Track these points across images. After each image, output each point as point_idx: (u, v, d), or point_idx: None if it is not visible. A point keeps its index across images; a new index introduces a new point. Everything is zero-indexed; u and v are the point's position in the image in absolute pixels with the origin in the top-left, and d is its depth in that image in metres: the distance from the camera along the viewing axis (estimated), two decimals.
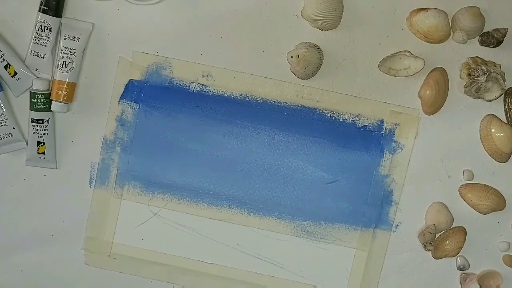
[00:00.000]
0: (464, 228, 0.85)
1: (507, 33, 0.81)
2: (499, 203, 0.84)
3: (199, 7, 0.80)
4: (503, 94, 0.82)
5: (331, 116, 0.83)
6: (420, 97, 0.82)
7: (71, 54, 0.79)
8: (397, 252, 0.85)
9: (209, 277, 0.86)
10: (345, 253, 0.85)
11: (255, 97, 0.82)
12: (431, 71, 0.82)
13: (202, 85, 0.82)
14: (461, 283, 0.86)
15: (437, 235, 0.85)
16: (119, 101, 0.82)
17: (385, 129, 0.83)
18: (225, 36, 0.81)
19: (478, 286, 0.86)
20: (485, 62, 0.80)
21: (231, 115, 0.82)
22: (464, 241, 0.85)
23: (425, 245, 0.84)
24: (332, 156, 0.83)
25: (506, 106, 0.83)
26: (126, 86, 0.82)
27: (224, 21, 0.81)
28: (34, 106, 0.80)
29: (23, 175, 0.83)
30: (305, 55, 0.79)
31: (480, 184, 0.84)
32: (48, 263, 0.85)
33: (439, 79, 0.81)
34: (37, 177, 0.83)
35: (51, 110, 0.80)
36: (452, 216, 0.85)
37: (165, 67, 0.82)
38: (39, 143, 0.81)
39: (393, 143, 0.83)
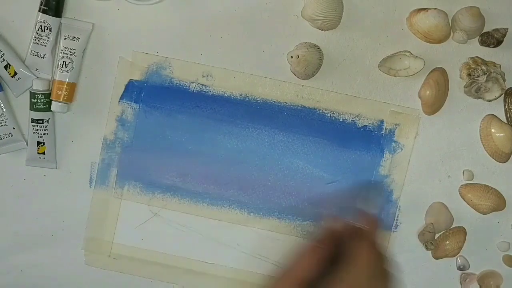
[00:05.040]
0: (464, 228, 0.85)
1: (507, 33, 0.81)
2: (499, 203, 0.84)
3: (199, 7, 0.80)
4: (503, 94, 0.82)
5: (331, 116, 0.83)
6: (420, 97, 0.82)
7: (71, 54, 0.79)
8: (397, 252, 0.85)
9: (209, 277, 0.86)
10: None
11: (255, 97, 0.82)
12: (431, 71, 0.82)
13: (202, 85, 0.82)
14: (461, 283, 0.87)
15: (437, 235, 0.85)
16: (119, 101, 0.82)
17: (385, 129, 0.83)
18: (225, 36, 0.81)
19: (478, 286, 0.86)
20: (485, 62, 0.80)
21: (231, 115, 0.82)
22: (464, 241, 0.85)
23: (426, 245, 0.84)
24: (332, 156, 0.83)
25: (506, 106, 0.83)
26: (126, 86, 0.82)
27: (224, 21, 0.81)
28: (34, 106, 0.80)
29: (23, 175, 0.83)
30: (305, 55, 0.79)
31: (480, 184, 0.84)
32: (48, 263, 0.86)
33: (439, 79, 0.81)
34: (37, 177, 0.83)
35: (51, 110, 0.80)
36: (452, 216, 0.85)
37: (165, 67, 0.82)
38: (39, 143, 0.81)
39: (393, 143, 0.83)
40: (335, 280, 0.59)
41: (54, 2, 0.78)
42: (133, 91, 0.82)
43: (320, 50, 0.81)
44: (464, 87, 0.81)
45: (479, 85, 0.80)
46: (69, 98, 0.80)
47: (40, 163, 0.82)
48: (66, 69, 0.79)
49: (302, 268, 0.61)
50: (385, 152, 0.83)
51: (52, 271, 0.86)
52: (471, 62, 0.81)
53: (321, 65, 0.81)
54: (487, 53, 0.82)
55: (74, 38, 0.79)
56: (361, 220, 0.68)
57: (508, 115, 0.83)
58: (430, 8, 0.79)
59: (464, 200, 0.84)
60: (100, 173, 0.83)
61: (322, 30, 0.81)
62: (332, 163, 0.83)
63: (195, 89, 0.82)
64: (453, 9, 0.81)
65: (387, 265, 0.64)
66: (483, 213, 0.84)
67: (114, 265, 0.86)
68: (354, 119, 0.83)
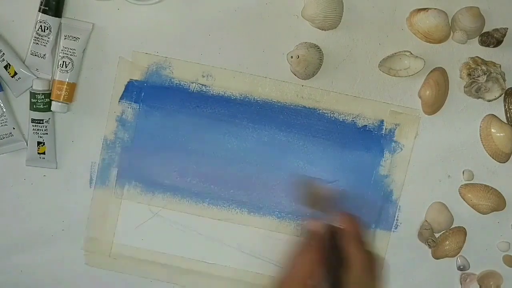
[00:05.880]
0: (464, 228, 0.85)
1: (507, 33, 0.81)
2: (499, 203, 0.84)
3: (199, 7, 0.80)
4: (503, 94, 0.82)
5: (331, 116, 0.83)
6: (420, 97, 0.82)
7: (71, 54, 0.79)
8: (397, 252, 0.85)
9: (209, 277, 0.86)
10: None
11: (255, 97, 0.82)
12: (431, 71, 0.82)
13: (202, 85, 0.82)
14: (461, 283, 0.86)
15: (437, 235, 0.85)
16: (119, 101, 0.82)
17: (385, 129, 0.83)
18: (225, 36, 0.81)
19: (478, 286, 0.86)
20: (485, 62, 0.80)
21: (231, 115, 0.82)
22: (464, 241, 0.85)
23: (428, 243, 0.84)
24: (332, 156, 0.83)
25: (506, 106, 0.83)
26: (126, 86, 0.82)
27: (224, 21, 0.81)
28: (34, 106, 0.80)
29: (23, 175, 0.83)
30: (305, 56, 0.79)
31: (480, 184, 0.84)
32: (48, 263, 0.85)
33: (439, 79, 0.81)
34: (37, 177, 0.83)
35: (51, 110, 0.80)
36: (452, 216, 0.85)
37: (165, 67, 0.82)
38: (39, 143, 0.81)
39: (393, 143, 0.83)
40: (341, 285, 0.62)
41: (54, 2, 0.78)
42: (133, 91, 0.82)
43: (320, 50, 0.81)
44: (464, 87, 0.81)
45: (479, 85, 0.80)
46: (69, 98, 0.80)
47: (40, 163, 0.82)
48: (66, 69, 0.79)
49: (303, 269, 0.64)
50: (385, 152, 0.83)
51: (52, 271, 0.86)
52: (471, 62, 0.81)
53: (321, 65, 0.81)
54: (487, 53, 0.82)
55: (74, 38, 0.79)
56: (341, 220, 0.69)
57: (508, 115, 0.83)
58: (430, 8, 0.79)
59: (464, 200, 0.84)
60: (100, 173, 0.83)
61: (322, 30, 0.81)
62: (332, 163, 0.83)
63: (195, 89, 0.82)
64: (453, 9, 0.81)
65: (376, 263, 0.66)
66: (483, 213, 0.84)
67: (114, 265, 0.85)
68: (354, 119, 0.83)
